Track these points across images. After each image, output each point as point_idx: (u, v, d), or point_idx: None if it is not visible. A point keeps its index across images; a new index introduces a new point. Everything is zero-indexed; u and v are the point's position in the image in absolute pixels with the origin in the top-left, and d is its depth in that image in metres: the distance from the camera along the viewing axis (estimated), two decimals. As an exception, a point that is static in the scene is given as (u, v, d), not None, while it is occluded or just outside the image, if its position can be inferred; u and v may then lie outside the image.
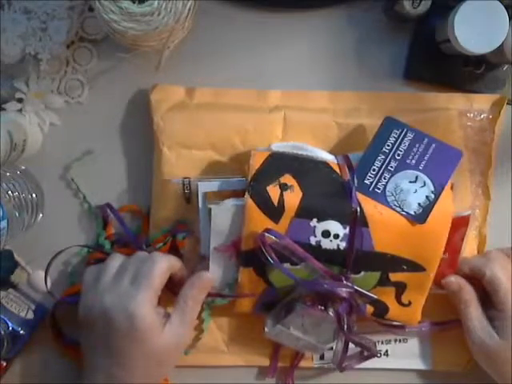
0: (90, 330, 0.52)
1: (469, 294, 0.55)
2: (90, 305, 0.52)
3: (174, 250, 0.57)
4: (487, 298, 0.55)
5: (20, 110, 0.58)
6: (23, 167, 0.59)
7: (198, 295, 0.53)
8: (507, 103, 0.58)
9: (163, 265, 0.52)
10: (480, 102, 0.58)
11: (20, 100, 0.58)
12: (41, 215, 0.60)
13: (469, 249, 0.58)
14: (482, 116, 0.58)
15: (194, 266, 0.56)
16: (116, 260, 0.54)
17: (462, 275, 0.56)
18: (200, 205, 0.54)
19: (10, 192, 0.55)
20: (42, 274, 0.58)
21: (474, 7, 0.52)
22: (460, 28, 0.53)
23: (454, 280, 0.55)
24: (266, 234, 0.51)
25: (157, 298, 0.52)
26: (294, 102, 0.59)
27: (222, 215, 0.53)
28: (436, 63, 0.59)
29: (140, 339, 0.50)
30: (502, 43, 0.53)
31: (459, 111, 0.58)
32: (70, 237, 0.60)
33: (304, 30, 0.59)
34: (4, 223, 0.54)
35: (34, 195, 0.58)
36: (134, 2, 0.52)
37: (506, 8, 0.53)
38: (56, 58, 0.59)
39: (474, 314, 0.55)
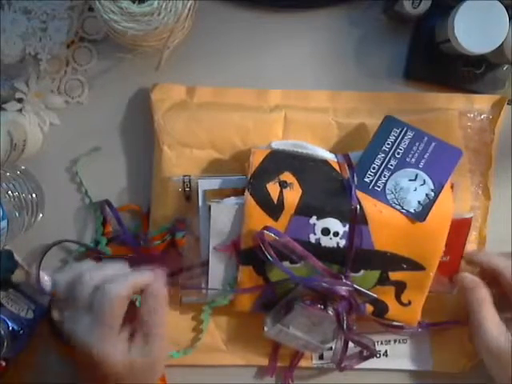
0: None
1: (484, 292, 0.54)
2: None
3: (173, 248, 0.56)
4: (502, 300, 0.54)
5: (20, 110, 0.58)
6: (23, 167, 0.59)
7: (155, 306, 0.48)
8: (507, 103, 0.58)
9: (115, 296, 0.47)
10: (480, 103, 0.58)
11: (20, 100, 0.58)
12: (41, 215, 0.60)
13: (469, 249, 0.57)
14: (482, 116, 0.58)
15: (193, 263, 0.56)
16: (59, 284, 0.49)
17: (478, 271, 0.55)
18: (200, 203, 0.54)
19: (10, 192, 0.55)
20: (42, 273, 0.58)
21: (474, 7, 0.52)
22: (460, 28, 0.53)
23: (468, 276, 0.55)
24: (265, 232, 0.51)
25: (116, 327, 0.47)
26: (294, 102, 0.59)
27: (222, 214, 0.53)
28: (436, 63, 0.59)
29: (107, 372, 0.47)
30: (502, 43, 0.53)
31: (459, 111, 0.58)
32: (70, 236, 0.60)
33: (304, 30, 0.60)
34: (4, 223, 0.54)
35: (33, 195, 0.58)
36: (133, 2, 0.52)
37: (506, 8, 0.53)
38: (56, 57, 0.59)
39: (490, 314, 0.53)
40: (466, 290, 0.55)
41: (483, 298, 0.54)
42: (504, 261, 0.55)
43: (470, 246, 0.58)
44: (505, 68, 0.59)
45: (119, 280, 0.48)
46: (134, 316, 0.49)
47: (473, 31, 0.53)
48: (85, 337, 0.47)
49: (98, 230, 0.60)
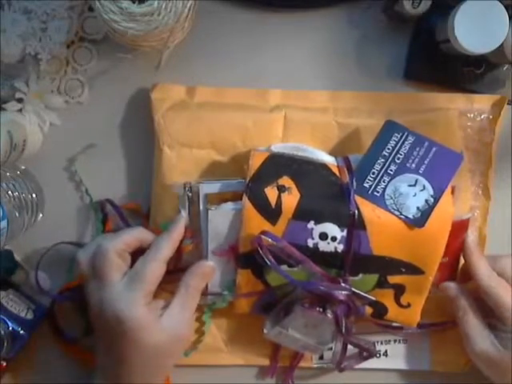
0: (95, 328, 0.52)
1: (466, 300, 0.54)
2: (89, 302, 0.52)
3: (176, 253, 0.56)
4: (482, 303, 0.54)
5: (20, 110, 0.58)
6: (23, 167, 0.59)
7: (200, 283, 0.53)
8: (507, 103, 0.58)
9: (110, 253, 0.50)
10: (480, 103, 0.58)
11: (20, 100, 0.58)
12: (41, 215, 0.60)
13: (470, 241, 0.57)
14: (482, 116, 0.58)
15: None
16: (82, 261, 0.52)
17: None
18: (201, 207, 0.53)
19: (10, 192, 0.55)
20: (42, 274, 0.58)
21: (474, 7, 0.52)
22: (460, 28, 0.53)
23: (451, 286, 0.55)
24: (263, 237, 0.51)
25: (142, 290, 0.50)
26: (294, 102, 0.59)
27: (220, 219, 0.52)
28: (436, 63, 0.59)
29: (131, 340, 0.49)
30: (502, 43, 0.53)
31: (459, 111, 0.58)
32: (70, 236, 0.60)
33: (304, 29, 0.59)
34: (4, 223, 0.54)
35: (33, 195, 0.58)
36: (133, 2, 0.52)
37: (506, 8, 0.53)
38: (56, 57, 0.59)
39: (473, 321, 0.54)
40: (450, 299, 0.55)
41: (466, 306, 0.54)
42: (486, 268, 0.54)
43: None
44: (505, 68, 0.59)
45: (112, 236, 0.52)
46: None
47: (473, 31, 0.53)
48: (113, 304, 0.49)
49: (99, 229, 0.60)
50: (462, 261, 0.56)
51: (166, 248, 0.52)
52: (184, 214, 0.53)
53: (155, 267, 0.50)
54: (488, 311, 0.54)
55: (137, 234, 0.53)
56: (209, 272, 0.53)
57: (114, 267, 0.50)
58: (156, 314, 0.50)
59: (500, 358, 0.52)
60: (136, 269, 0.51)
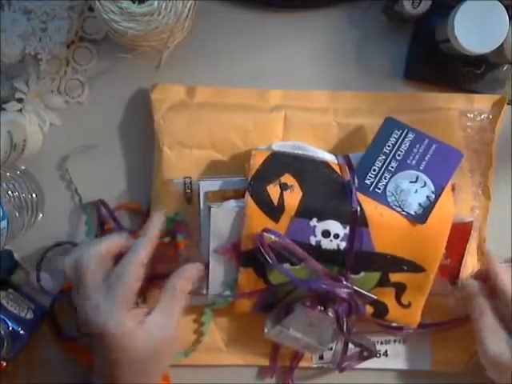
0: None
1: (485, 300, 0.54)
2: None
3: (171, 249, 0.56)
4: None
5: (20, 110, 0.58)
6: (23, 167, 0.59)
7: (186, 286, 0.52)
8: (507, 103, 0.58)
9: (89, 260, 0.49)
10: (480, 102, 0.58)
11: (20, 100, 0.58)
12: (41, 215, 0.60)
13: (469, 249, 0.57)
14: (482, 116, 0.58)
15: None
16: (66, 267, 0.52)
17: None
18: (201, 205, 0.53)
19: (10, 192, 0.56)
20: (45, 274, 0.58)
21: (474, 7, 0.52)
22: (460, 28, 0.53)
23: (473, 283, 0.54)
24: (265, 234, 0.51)
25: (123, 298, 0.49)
26: (294, 102, 0.59)
27: (222, 217, 0.52)
28: (436, 63, 0.59)
29: (117, 347, 0.49)
30: (502, 43, 0.53)
31: (459, 111, 0.58)
32: (70, 236, 0.60)
33: (304, 29, 0.59)
34: (4, 223, 0.54)
35: (33, 195, 0.58)
36: (133, 2, 0.52)
37: (506, 8, 0.53)
38: (56, 58, 0.59)
39: (490, 323, 0.53)
40: (467, 297, 0.55)
41: (484, 306, 0.54)
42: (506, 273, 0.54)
43: (470, 245, 0.58)
44: (505, 68, 0.59)
45: (92, 244, 0.51)
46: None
47: (473, 31, 0.53)
48: (94, 312, 0.48)
49: (90, 230, 0.60)
50: (463, 264, 0.55)
51: (142, 249, 0.51)
52: (159, 211, 0.53)
53: (133, 270, 0.50)
54: (505, 315, 0.53)
55: (115, 241, 0.52)
56: (196, 274, 0.53)
57: (93, 275, 0.49)
58: (137, 320, 0.49)
59: (511, 362, 0.52)
60: (115, 274, 0.50)
